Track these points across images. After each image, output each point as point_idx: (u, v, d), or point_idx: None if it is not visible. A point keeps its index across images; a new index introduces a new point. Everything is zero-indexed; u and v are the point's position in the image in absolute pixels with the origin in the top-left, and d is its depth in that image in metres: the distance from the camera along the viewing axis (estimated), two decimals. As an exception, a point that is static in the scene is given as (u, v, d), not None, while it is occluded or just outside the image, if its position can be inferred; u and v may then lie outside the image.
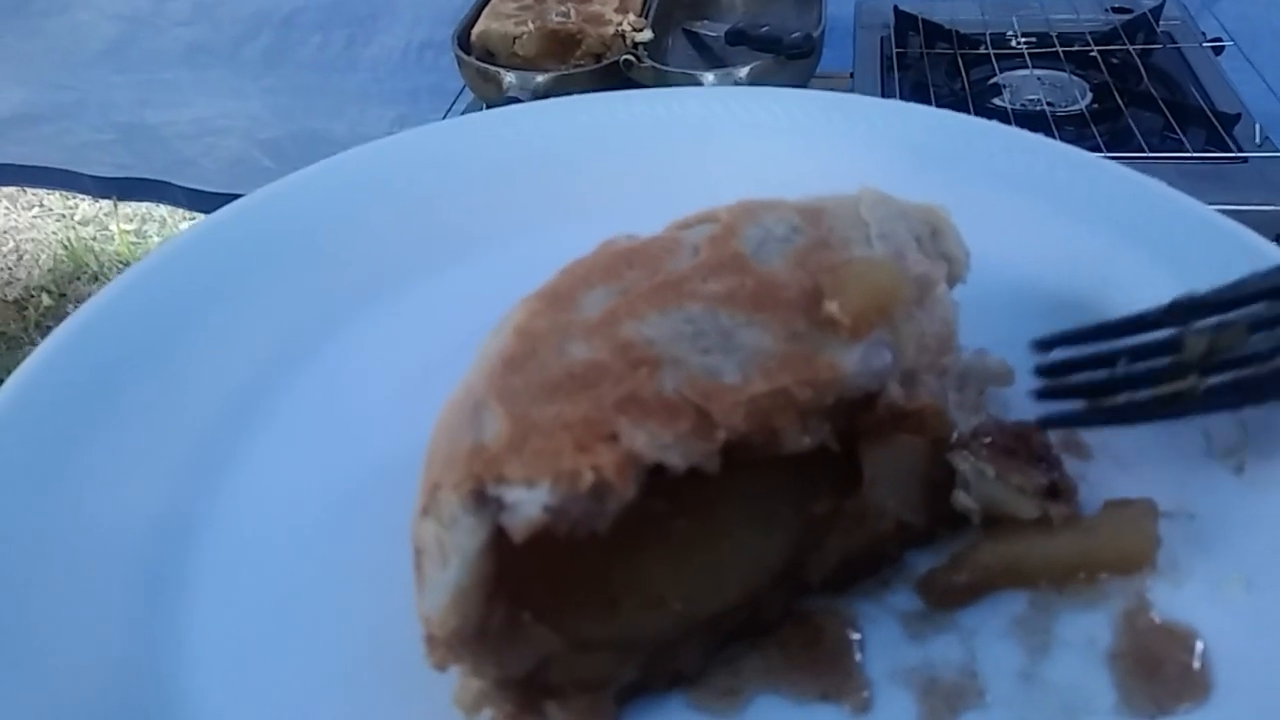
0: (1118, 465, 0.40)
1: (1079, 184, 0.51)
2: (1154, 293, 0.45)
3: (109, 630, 0.36)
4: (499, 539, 0.30)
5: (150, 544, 0.39)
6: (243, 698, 0.34)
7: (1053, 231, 0.50)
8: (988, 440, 0.38)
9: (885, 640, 0.35)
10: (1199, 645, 0.33)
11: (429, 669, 0.31)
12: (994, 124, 0.56)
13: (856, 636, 0.35)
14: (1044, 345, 0.41)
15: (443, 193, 0.55)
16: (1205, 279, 0.44)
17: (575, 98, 0.59)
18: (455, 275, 0.51)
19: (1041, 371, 0.41)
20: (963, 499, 0.37)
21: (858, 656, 0.34)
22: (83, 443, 0.42)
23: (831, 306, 0.36)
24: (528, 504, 0.29)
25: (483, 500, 0.30)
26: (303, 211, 0.53)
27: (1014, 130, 0.56)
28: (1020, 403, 0.43)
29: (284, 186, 0.54)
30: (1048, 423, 0.38)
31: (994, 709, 0.33)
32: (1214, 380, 0.36)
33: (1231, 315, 0.36)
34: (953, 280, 0.41)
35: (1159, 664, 0.33)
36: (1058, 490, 0.37)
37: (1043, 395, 0.40)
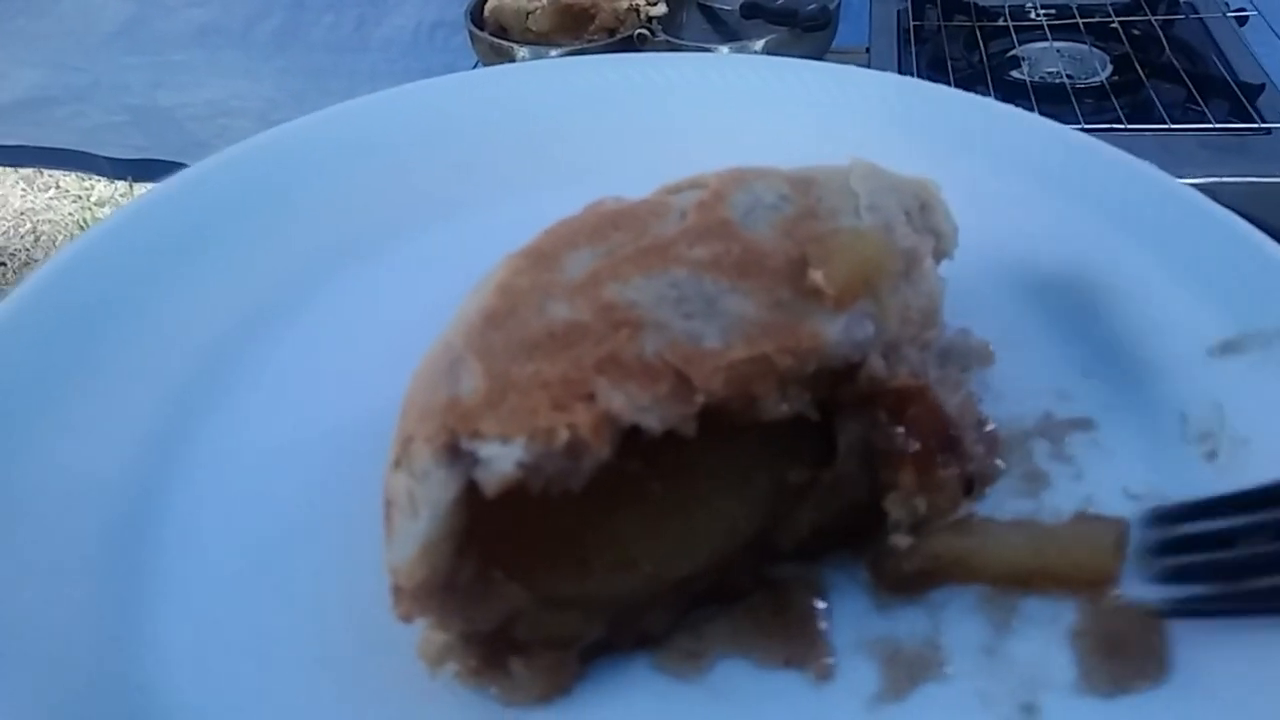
0: (1093, 446, 0.41)
1: (1072, 166, 0.51)
2: (1141, 278, 0.46)
3: (75, 582, 0.36)
4: (471, 493, 0.30)
5: (121, 493, 0.39)
6: (208, 644, 0.34)
7: (1042, 213, 0.50)
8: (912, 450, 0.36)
9: (852, 611, 0.35)
10: (1160, 626, 0.34)
11: (394, 621, 0.31)
12: (990, 101, 0.56)
13: (823, 605, 0.35)
14: (1164, 519, 0.36)
15: (430, 150, 0.54)
16: (1193, 266, 0.45)
17: (569, 59, 0.59)
18: (439, 233, 0.50)
19: (1163, 549, 0.35)
20: (901, 540, 0.35)
21: (823, 625, 0.35)
22: (53, 394, 0.41)
23: (816, 276, 0.35)
24: (501, 459, 0.29)
25: (456, 454, 0.30)
26: (287, 165, 0.52)
27: (1009, 108, 0.55)
28: (1000, 384, 0.43)
29: (270, 138, 0.53)
30: (1177, 612, 0.34)
31: (955, 680, 0.33)
32: None
33: None
34: (940, 255, 0.41)
35: (1120, 643, 0.33)
36: (970, 486, 0.37)
37: (1168, 578, 0.35)
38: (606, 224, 0.39)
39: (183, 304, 0.46)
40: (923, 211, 0.41)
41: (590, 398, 0.31)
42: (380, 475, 0.32)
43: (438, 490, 0.29)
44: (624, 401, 0.31)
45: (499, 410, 0.30)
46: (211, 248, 0.48)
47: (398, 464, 0.30)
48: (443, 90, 0.57)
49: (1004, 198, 0.49)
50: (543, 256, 0.37)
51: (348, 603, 0.34)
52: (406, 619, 0.30)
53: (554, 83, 0.57)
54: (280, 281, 0.48)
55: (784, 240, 0.38)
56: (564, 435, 0.30)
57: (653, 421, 0.31)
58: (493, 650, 0.32)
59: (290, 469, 0.40)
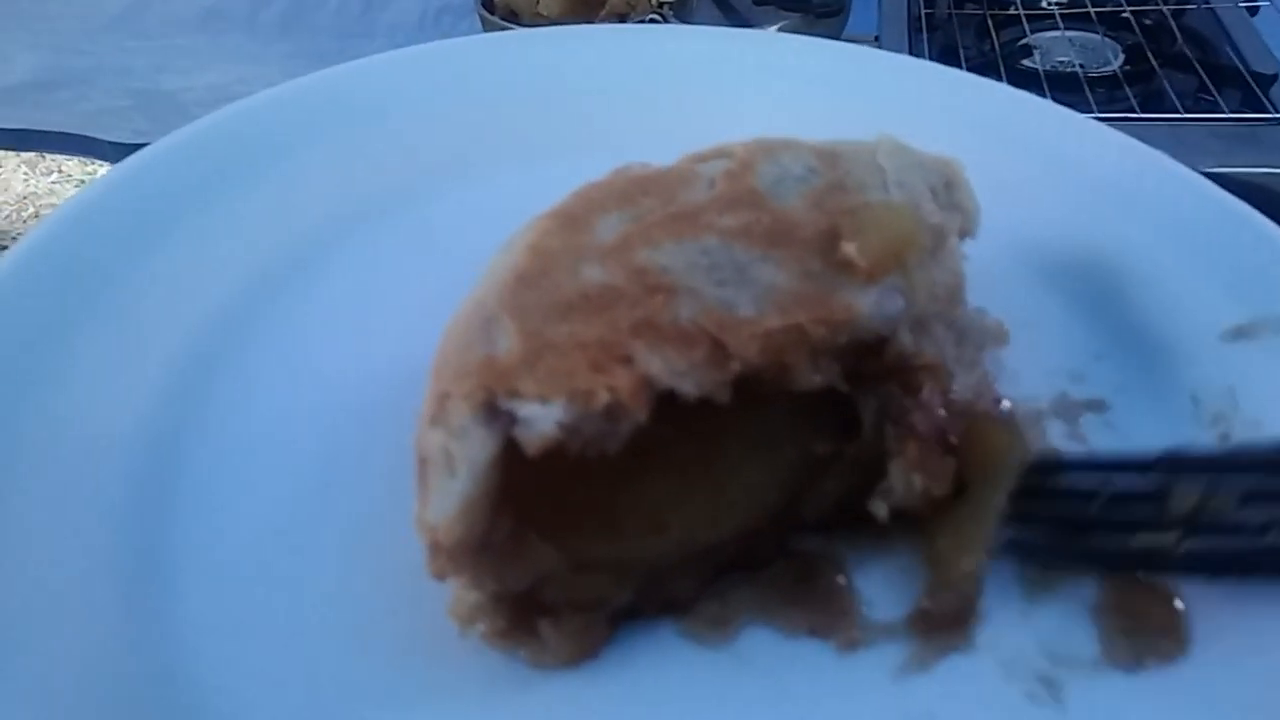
0: (1106, 427, 0.41)
1: (1087, 152, 0.51)
2: (1155, 264, 0.46)
3: (95, 533, 0.35)
4: (507, 452, 0.29)
5: (142, 445, 0.38)
6: (230, 600, 0.34)
7: (1057, 198, 0.50)
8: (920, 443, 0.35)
9: (879, 581, 0.35)
10: (1179, 605, 0.34)
11: (425, 580, 0.30)
12: (1005, 86, 0.56)
13: (848, 576, 0.35)
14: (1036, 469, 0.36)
15: (456, 109, 0.53)
16: (1206, 253, 0.45)
17: (598, 26, 0.58)
18: (463, 194, 0.49)
19: (1019, 494, 0.35)
20: (879, 506, 0.35)
21: (850, 595, 0.35)
22: (71, 341, 0.40)
23: (849, 248, 0.35)
24: (542, 420, 0.29)
25: (494, 413, 0.29)
26: (303, 122, 0.51)
27: (1024, 94, 0.55)
28: (1015, 365, 0.44)
29: (285, 91, 0.52)
30: (1009, 550, 0.34)
31: (980, 652, 0.33)
32: (1194, 544, 0.33)
33: (1224, 479, 0.33)
34: (963, 234, 0.41)
35: (1140, 620, 0.34)
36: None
37: (1012, 519, 0.35)
38: (635, 189, 0.39)
39: (192, 262, 0.45)
40: (948, 189, 0.41)
41: (627, 361, 0.31)
42: (406, 433, 0.31)
43: (476, 448, 0.29)
44: (661, 365, 0.31)
45: (536, 370, 0.30)
46: (222, 203, 0.47)
47: (434, 421, 0.30)
48: (463, 50, 0.57)
49: (1021, 182, 0.49)
50: (573, 219, 0.37)
51: (374, 560, 0.34)
52: (440, 577, 0.30)
53: (574, 49, 0.56)
54: (295, 240, 0.47)
55: (813, 211, 0.38)
56: (604, 397, 0.29)
57: (689, 387, 0.31)
58: (523, 611, 0.32)
59: (309, 429, 0.39)
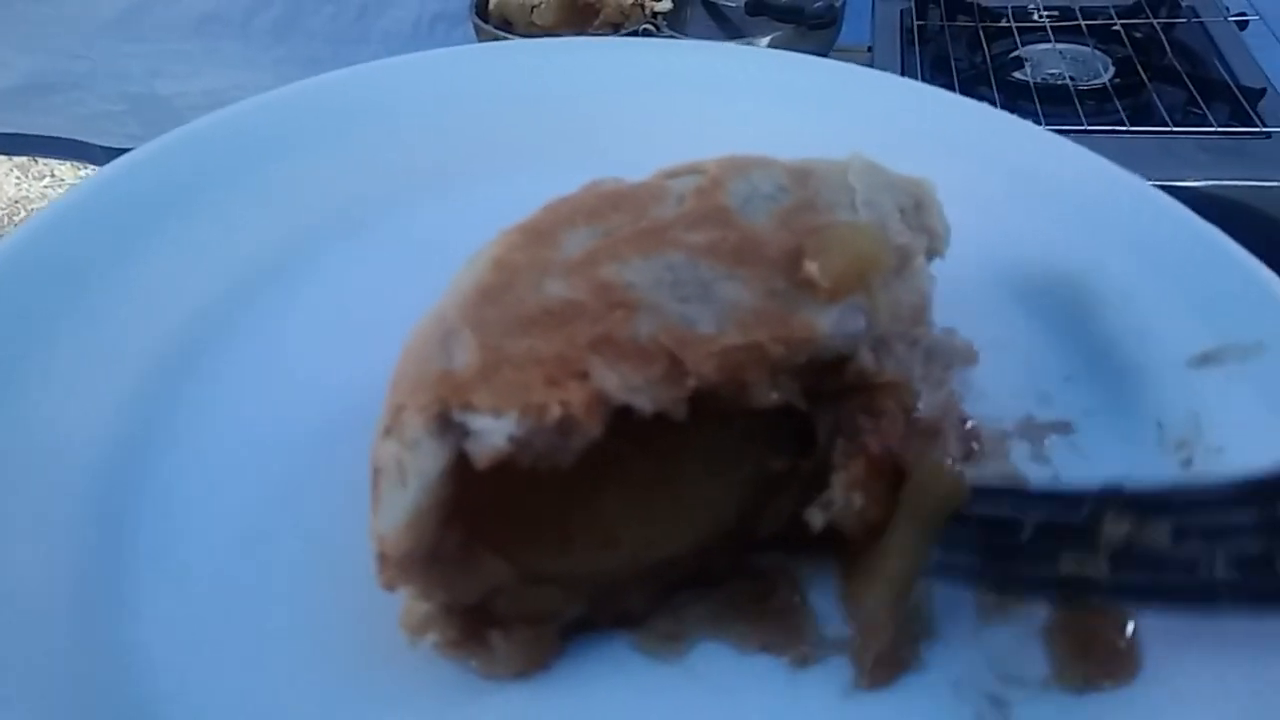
0: (1071, 449, 0.41)
1: (1063, 174, 0.51)
2: (1125, 288, 0.46)
3: (53, 534, 0.35)
4: (460, 465, 0.30)
5: (107, 447, 0.38)
6: (188, 606, 0.34)
7: (1030, 219, 0.50)
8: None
9: (831, 598, 0.35)
10: (1130, 628, 0.34)
11: (379, 590, 0.31)
12: (984, 105, 0.57)
13: (801, 593, 0.35)
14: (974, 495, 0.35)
15: (426, 121, 0.54)
16: (1177, 278, 0.46)
17: (573, 39, 0.58)
18: (431, 207, 0.50)
19: (953, 520, 0.35)
20: (815, 515, 0.35)
21: (804, 612, 0.35)
22: (45, 342, 0.40)
23: (811, 267, 0.36)
24: (493, 433, 0.29)
25: (447, 425, 0.30)
26: (284, 128, 0.52)
27: (1003, 114, 0.56)
28: (982, 385, 0.44)
29: (266, 101, 0.52)
30: (938, 571, 0.34)
31: (930, 670, 0.33)
32: (1124, 575, 0.32)
33: (1155, 517, 0.32)
34: (931, 255, 0.41)
35: (1091, 641, 0.34)
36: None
37: (945, 545, 0.34)
38: (605, 204, 0.39)
39: (170, 266, 0.45)
40: (917, 210, 0.42)
41: (584, 376, 0.31)
42: (366, 446, 0.32)
43: (428, 460, 0.29)
44: (617, 381, 0.31)
45: (492, 384, 0.30)
46: (202, 209, 0.47)
47: (388, 432, 0.30)
48: (442, 62, 0.57)
49: (994, 202, 0.50)
50: (540, 233, 0.37)
51: (330, 571, 0.34)
52: (390, 587, 0.30)
53: (555, 61, 0.57)
54: (271, 248, 0.47)
55: (780, 230, 0.38)
56: (556, 411, 0.30)
57: (645, 402, 0.31)
58: (473, 623, 0.32)
59: (275, 437, 0.39)
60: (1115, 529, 0.32)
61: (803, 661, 0.34)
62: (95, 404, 0.39)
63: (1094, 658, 0.34)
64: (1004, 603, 0.35)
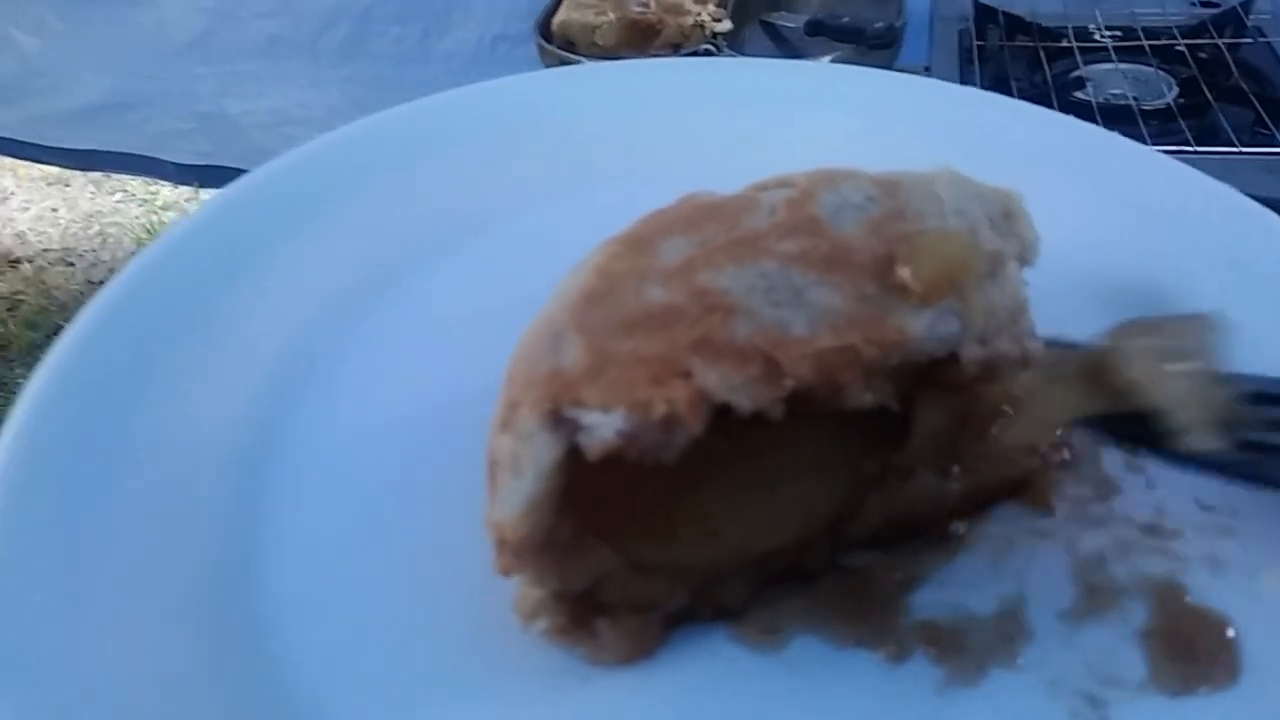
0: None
1: (1151, 184, 0.51)
2: (1215, 297, 0.46)
3: (197, 531, 0.38)
4: (572, 457, 0.31)
5: (240, 447, 0.41)
6: (315, 591, 0.37)
7: (1119, 230, 0.50)
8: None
9: (927, 595, 0.36)
10: (1230, 632, 0.34)
11: (492, 577, 0.33)
12: (1070, 118, 0.57)
13: (898, 589, 0.36)
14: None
15: (529, 141, 0.56)
16: (1268, 287, 0.45)
17: (662, 60, 0.61)
18: (537, 220, 0.52)
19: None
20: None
21: (900, 609, 0.36)
22: (170, 360, 0.44)
23: (904, 273, 0.37)
24: (603, 427, 0.31)
25: (559, 420, 0.31)
26: (398, 148, 0.55)
27: (1088, 125, 0.56)
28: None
29: (383, 119, 0.55)
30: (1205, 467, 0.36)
31: (1026, 669, 0.34)
32: None
33: None
34: (1022, 262, 0.42)
35: (1190, 646, 0.34)
36: None
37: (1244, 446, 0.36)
38: (700, 215, 0.41)
39: (296, 275, 0.48)
40: (1006, 219, 0.42)
41: (686, 375, 0.32)
42: (480, 444, 0.34)
43: (542, 452, 0.31)
44: (717, 380, 0.32)
45: (599, 382, 0.32)
46: (325, 222, 0.51)
47: (504, 427, 0.32)
48: (544, 83, 0.60)
49: (1082, 213, 0.50)
50: (639, 242, 0.39)
51: (448, 559, 0.36)
52: (505, 573, 0.32)
53: (650, 81, 0.59)
54: (388, 259, 0.50)
55: (870, 238, 0.39)
56: (661, 408, 0.31)
57: (743, 401, 0.33)
58: (583, 610, 0.34)
59: (395, 434, 0.42)
60: None
61: (898, 658, 0.34)
62: (226, 409, 0.42)
63: (1193, 660, 0.34)
64: (1098, 604, 0.35)
